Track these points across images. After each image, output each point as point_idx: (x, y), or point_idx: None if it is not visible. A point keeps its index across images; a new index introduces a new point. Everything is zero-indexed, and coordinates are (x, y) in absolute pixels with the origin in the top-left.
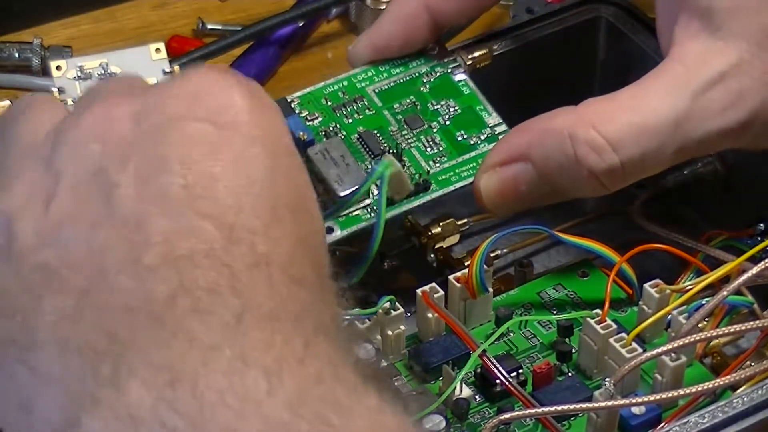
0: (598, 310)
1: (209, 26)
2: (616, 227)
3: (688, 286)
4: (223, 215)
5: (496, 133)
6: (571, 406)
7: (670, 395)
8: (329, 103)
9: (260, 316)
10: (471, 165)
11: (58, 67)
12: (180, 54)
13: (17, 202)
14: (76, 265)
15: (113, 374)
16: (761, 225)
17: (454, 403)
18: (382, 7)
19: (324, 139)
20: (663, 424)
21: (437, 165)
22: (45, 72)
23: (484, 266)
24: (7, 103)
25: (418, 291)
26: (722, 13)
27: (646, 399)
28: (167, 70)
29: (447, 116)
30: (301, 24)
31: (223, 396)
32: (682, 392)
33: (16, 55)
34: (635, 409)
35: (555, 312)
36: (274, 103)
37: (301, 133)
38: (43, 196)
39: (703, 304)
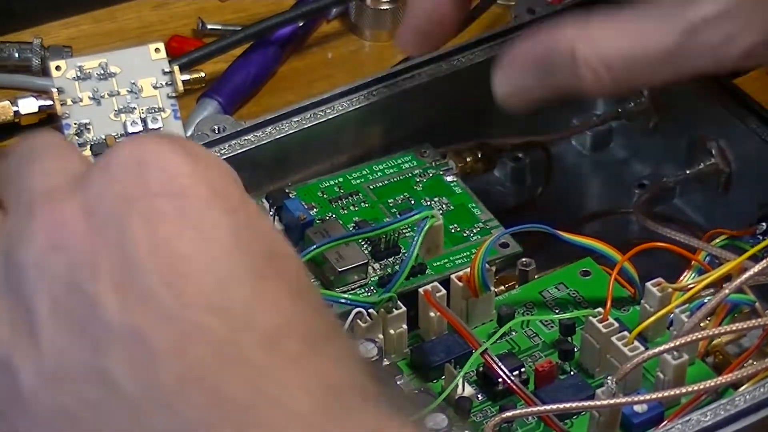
0: (600, 309)
1: (209, 26)
2: (617, 226)
3: (690, 284)
4: (213, 301)
5: (488, 227)
6: (574, 405)
7: (672, 393)
8: (325, 196)
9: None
10: (465, 254)
11: (57, 67)
12: (180, 54)
13: (2, 339)
14: (96, 404)
15: None
16: (763, 224)
17: (456, 401)
18: (382, 7)
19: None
20: (665, 422)
21: (431, 253)
22: (45, 72)
23: (486, 265)
24: (6, 103)
25: (420, 290)
26: None
27: (648, 397)
28: (167, 69)
29: (440, 211)
30: (301, 24)
31: None
32: (684, 390)
33: (16, 55)
34: (637, 407)
35: (557, 311)
36: (212, 155)
37: (300, 214)
38: (26, 330)
39: (705, 303)
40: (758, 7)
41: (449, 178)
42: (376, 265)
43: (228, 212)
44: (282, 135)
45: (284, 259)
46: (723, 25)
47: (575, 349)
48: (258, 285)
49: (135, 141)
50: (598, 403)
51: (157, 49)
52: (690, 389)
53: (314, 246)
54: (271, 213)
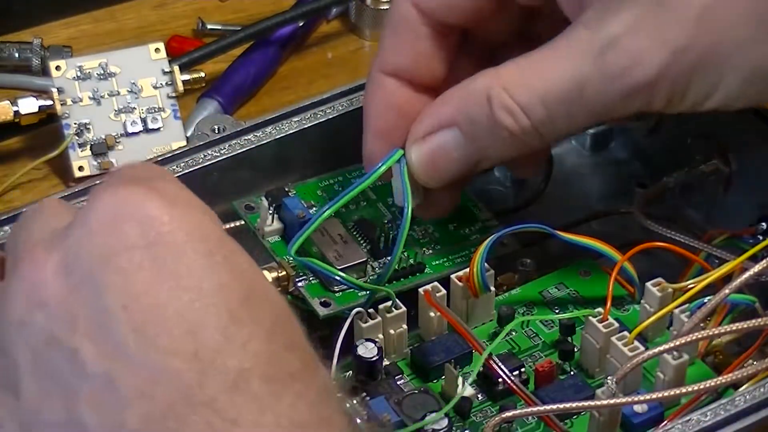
0: (600, 309)
1: (209, 26)
2: (618, 226)
3: (689, 284)
4: (182, 346)
5: (487, 226)
6: (574, 405)
7: (672, 393)
8: (325, 195)
9: None
10: (464, 254)
11: (57, 67)
12: (180, 54)
13: None
14: None
15: None
16: (763, 224)
17: (456, 402)
18: (382, 7)
19: None
20: (665, 422)
21: (430, 251)
22: (45, 72)
23: (486, 265)
24: (6, 103)
25: (421, 290)
26: None
27: (648, 397)
28: (167, 69)
29: None
30: (301, 24)
31: None
32: (684, 390)
33: (16, 55)
34: (637, 408)
35: (557, 311)
36: (189, 196)
37: (300, 212)
38: (11, 386)
39: (705, 303)
40: (663, 24)
41: None
42: (375, 264)
43: (205, 255)
44: (282, 135)
45: (261, 298)
46: (629, 44)
47: (575, 349)
48: (230, 329)
49: (110, 190)
50: (598, 403)
51: (157, 49)
52: (690, 389)
53: (294, 238)
54: (270, 211)
